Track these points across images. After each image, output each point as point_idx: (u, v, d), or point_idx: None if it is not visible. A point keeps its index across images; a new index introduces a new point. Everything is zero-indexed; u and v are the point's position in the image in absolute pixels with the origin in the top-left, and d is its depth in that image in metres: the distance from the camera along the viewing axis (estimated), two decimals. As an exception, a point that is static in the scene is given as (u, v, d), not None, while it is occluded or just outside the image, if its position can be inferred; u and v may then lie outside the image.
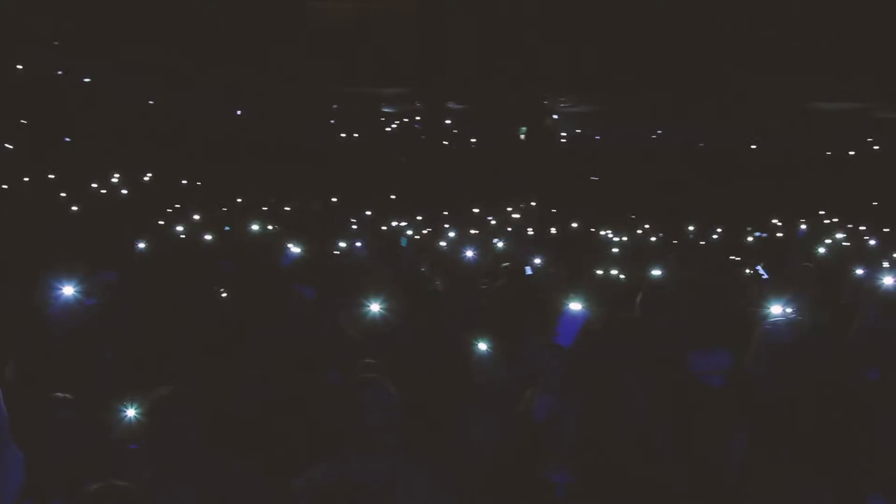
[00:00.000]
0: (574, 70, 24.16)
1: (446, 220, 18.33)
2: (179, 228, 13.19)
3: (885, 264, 10.12)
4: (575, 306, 5.88)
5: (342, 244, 11.74)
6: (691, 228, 18.50)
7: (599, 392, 4.86)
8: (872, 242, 15.34)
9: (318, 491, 3.79)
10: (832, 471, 4.21)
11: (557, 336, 5.56)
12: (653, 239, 17.00)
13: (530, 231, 16.94)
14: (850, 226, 18.96)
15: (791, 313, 5.76)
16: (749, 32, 23.05)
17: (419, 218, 18.48)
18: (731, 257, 13.44)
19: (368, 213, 19.14)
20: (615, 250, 13.42)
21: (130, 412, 4.17)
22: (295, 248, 9.86)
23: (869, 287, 7.29)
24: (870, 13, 21.58)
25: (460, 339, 5.73)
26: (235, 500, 3.98)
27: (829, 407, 4.78)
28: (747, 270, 10.81)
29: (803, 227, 18.74)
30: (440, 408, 4.52)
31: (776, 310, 5.54)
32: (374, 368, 4.80)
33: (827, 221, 20.37)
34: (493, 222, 18.52)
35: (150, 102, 25.98)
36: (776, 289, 6.31)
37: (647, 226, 18.84)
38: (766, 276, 9.65)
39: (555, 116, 29.03)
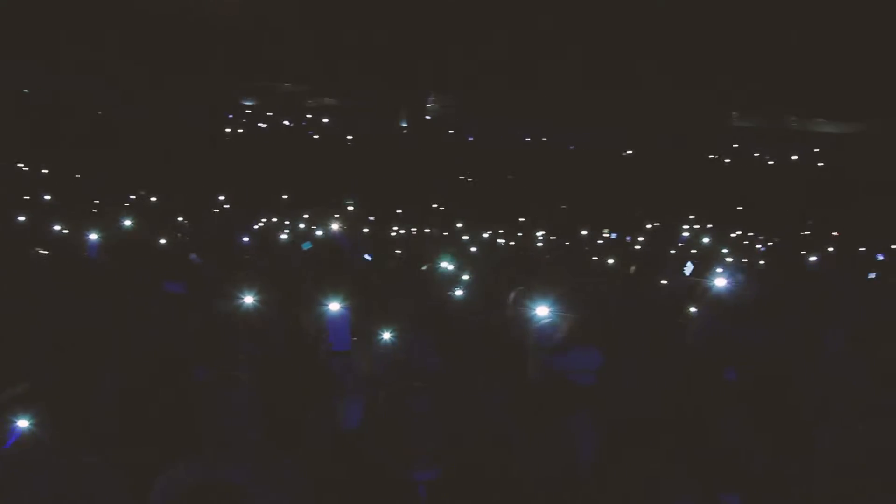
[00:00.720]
0: (452, 70, 24.36)
1: (327, 218, 18.25)
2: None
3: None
4: (333, 307, 5.73)
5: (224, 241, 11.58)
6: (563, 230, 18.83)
7: (461, 390, 4.91)
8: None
9: (178, 489, 3.73)
10: (685, 469, 4.34)
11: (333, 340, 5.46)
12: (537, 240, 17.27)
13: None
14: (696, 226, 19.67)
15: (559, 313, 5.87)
16: (633, 37, 23.68)
17: (305, 216, 18.37)
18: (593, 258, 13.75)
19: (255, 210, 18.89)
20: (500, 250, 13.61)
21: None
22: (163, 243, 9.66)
23: (701, 290, 7.48)
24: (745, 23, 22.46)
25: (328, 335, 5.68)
26: (94, 499, 3.89)
27: (683, 406, 4.93)
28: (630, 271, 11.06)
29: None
30: (304, 405, 4.50)
31: (542, 311, 5.66)
32: (240, 365, 4.75)
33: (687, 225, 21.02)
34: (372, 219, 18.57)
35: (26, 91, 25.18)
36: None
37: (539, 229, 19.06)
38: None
39: (427, 117, 29.20)
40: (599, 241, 17.78)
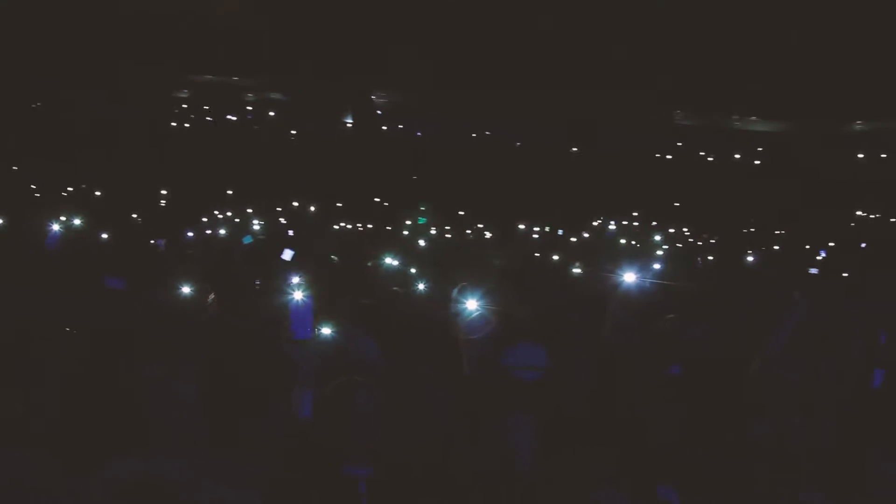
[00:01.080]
0: (396, 65, 24.38)
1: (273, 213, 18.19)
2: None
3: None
4: (297, 296, 5.77)
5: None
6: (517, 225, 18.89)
7: (403, 386, 4.93)
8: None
9: (118, 486, 3.70)
10: (622, 463, 4.41)
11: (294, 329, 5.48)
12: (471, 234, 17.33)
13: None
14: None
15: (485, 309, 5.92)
16: (578, 36, 23.88)
17: (249, 211, 18.23)
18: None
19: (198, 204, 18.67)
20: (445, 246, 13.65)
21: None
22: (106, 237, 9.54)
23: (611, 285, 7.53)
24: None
25: (269, 332, 5.67)
26: (33, 497, 3.84)
27: (622, 402, 5.00)
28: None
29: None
30: (246, 401, 4.48)
31: (472, 305, 5.71)
32: (183, 361, 4.72)
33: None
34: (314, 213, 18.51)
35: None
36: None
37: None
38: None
39: (378, 112, 29.16)
40: (536, 237, 17.87)
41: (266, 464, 4.16)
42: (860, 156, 28.78)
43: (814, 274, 12.13)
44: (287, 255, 9.53)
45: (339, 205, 21.19)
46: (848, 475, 4.58)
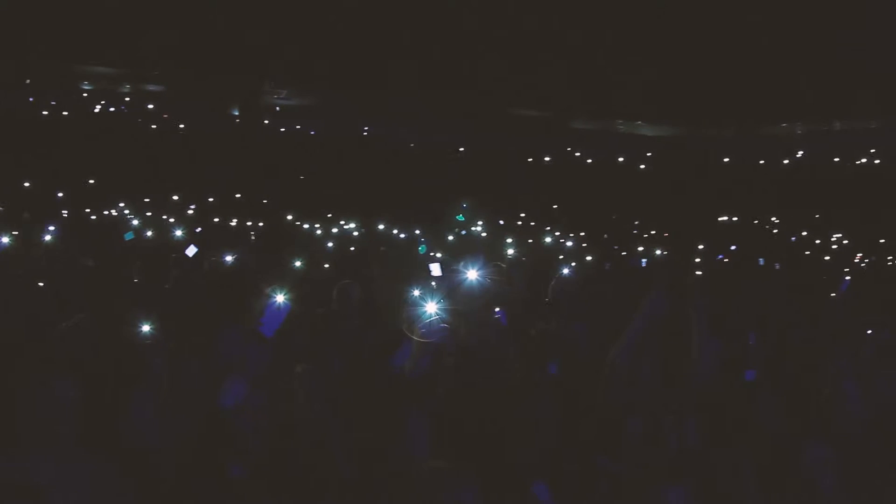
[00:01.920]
0: (289, 62, 24.19)
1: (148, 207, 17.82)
2: None
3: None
4: (278, 298, 5.85)
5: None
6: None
7: (284, 383, 4.90)
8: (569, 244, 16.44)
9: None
10: (497, 462, 4.45)
11: (260, 326, 5.52)
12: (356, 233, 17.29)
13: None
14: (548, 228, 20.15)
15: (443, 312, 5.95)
16: (470, 39, 24.04)
17: (121, 204, 17.81)
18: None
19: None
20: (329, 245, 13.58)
21: None
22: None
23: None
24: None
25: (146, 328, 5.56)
26: None
27: (500, 402, 5.04)
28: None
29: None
30: (119, 400, 4.39)
31: (430, 308, 5.73)
32: (53, 358, 4.59)
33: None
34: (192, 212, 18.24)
35: None
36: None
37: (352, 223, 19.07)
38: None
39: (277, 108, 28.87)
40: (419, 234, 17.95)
41: (140, 462, 4.08)
42: (728, 160, 29.77)
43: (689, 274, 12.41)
44: (190, 251, 9.41)
45: (212, 200, 20.88)
46: (713, 473, 4.71)
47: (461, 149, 29.67)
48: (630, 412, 5.13)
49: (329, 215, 19.75)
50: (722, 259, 16.42)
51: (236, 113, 28.71)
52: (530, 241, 16.13)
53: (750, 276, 12.62)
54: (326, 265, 10.44)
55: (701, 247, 17.19)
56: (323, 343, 6.06)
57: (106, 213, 17.10)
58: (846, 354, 6.71)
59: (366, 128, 29.60)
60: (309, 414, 4.63)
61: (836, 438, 4.98)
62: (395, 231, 18.16)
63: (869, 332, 7.62)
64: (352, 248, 13.95)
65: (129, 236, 12.08)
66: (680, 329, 6.05)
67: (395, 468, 4.33)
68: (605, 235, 20.57)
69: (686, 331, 5.97)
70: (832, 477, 4.65)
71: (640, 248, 16.65)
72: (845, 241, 21.24)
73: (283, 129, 29.28)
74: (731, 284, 10.17)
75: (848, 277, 12.38)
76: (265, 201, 22.03)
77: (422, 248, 13.06)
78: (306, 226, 17.68)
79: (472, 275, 6.40)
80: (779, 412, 5.41)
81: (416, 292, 5.94)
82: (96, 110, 28.31)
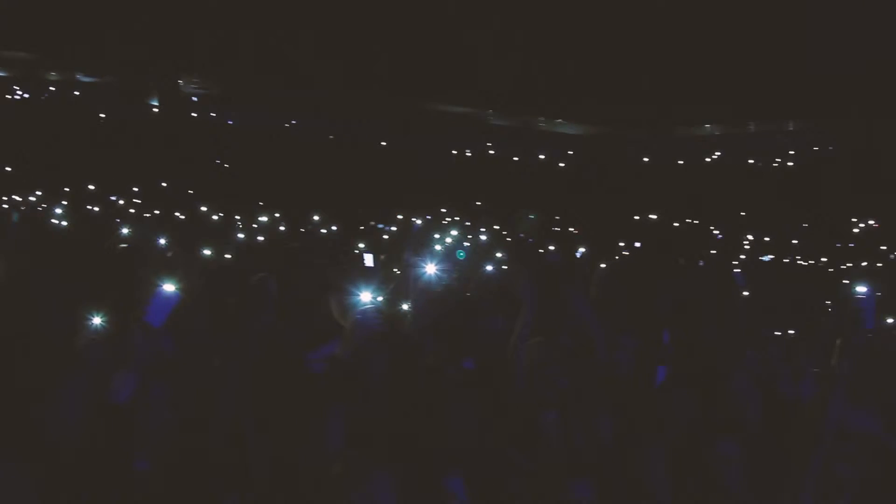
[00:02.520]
0: (207, 52, 23.89)
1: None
2: None
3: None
4: (168, 287, 5.72)
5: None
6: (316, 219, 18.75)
7: (190, 377, 4.82)
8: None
9: None
10: (410, 456, 4.44)
11: (148, 316, 5.38)
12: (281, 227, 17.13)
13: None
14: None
15: (379, 301, 5.94)
16: (389, 35, 23.99)
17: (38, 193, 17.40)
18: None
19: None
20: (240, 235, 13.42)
21: None
22: None
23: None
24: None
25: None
26: None
27: (424, 395, 5.04)
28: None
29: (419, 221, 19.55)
30: (28, 395, 4.27)
31: (365, 297, 5.71)
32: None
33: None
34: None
35: None
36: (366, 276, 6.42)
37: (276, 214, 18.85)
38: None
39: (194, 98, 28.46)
40: (334, 228, 17.85)
41: (45, 458, 3.98)
42: (646, 160, 30.24)
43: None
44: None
45: (136, 189, 20.51)
46: (622, 468, 4.78)
47: (383, 143, 29.61)
48: (542, 407, 5.17)
49: (245, 207, 19.50)
50: (636, 257, 16.63)
51: (154, 103, 28.24)
52: (452, 236, 16.13)
53: (664, 275, 12.79)
54: (231, 256, 10.27)
55: (620, 244, 17.39)
56: (238, 337, 5.97)
57: (21, 200, 16.66)
58: (753, 353, 6.85)
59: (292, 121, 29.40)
60: (223, 409, 4.56)
61: (743, 435, 5.09)
62: (315, 226, 18.03)
63: (775, 331, 7.81)
64: (261, 240, 13.78)
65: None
66: (589, 324, 6.13)
67: (309, 465, 4.30)
68: (528, 230, 20.67)
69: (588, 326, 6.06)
70: (738, 473, 4.75)
71: (556, 245, 16.79)
72: (767, 241, 21.69)
73: (195, 115, 28.89)
74: (645, 282, 10.29)
75: (738, 270, 12.59)
76: (174, 189, 21.72)
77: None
78: (217, 217, 17.42)
79: (430, 269, 6.44)
80: (689, 409, 5.50)
81: (351, 282, 5.92)
82: (9, 97, 27.64)
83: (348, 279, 6.05)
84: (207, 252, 9.50)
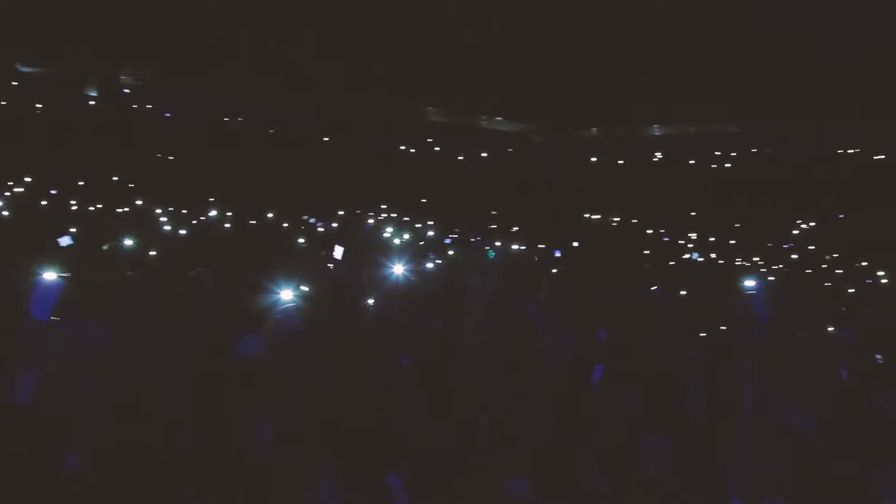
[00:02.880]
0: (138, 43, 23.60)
1: None
2: None
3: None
4: (49, 276, 5.57)
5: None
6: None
7: (131, 372, 4.78)
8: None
9: None
10: (349, 454, 4.46)
11: (33, 307, 5.26)
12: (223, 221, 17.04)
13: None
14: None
15: (298, 300, 5.92)
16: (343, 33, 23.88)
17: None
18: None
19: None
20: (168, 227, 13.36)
21: None
22: None
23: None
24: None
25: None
26: None
27: (353, 393, 5.05)
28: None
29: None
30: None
31: (286, 296, 5.68)
32: None
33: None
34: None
35: None
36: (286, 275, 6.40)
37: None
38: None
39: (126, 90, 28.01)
40: (286, 225, 17.78)
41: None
42: (593, 160, 30.46)
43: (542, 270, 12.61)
44: (64, 241, 9.00)
45: (81, 183, 20.21)
46: (559, 464, 4.84)
47: (325, 138, 29.47)
48: (481, 406, 5.21)
49: (185, 202, 19.31)
50: (573, 255, 16.78)
51: (92, 94, 27.75)
52: (399, 236, 16.15)
53: (602, 274, 12.92)
54: (156, 252, 10.15)
55: (561, 243, 17.51)
56: (175, 332, 5.92)
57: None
58: (689, 352, 6.95)
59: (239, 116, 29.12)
60: (159, 404, 4.54)
61: (676, 431, 5.18)
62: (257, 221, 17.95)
63: (713, 329, 7.92)
64: (200, 236, 13.69)
65: None
66: (527, 324, 6.18)
67: (244, 460, 4.30)
68: (461, 230, 20.74)
69: (533, 326, 6.10)
70: (667, 468, 4.83)
71: (498, 243, 16.88)
72: (710, 240, 22.00)
73: (135, 107, 28.44)
74: (583, 281, 10.38)
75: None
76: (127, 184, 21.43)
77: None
78: (158, 211, 17.24)
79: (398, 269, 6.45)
80: (625, 406, 5.58)
81: (273, 280, 5.89)
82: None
83: (270, 278, 6.01)
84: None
